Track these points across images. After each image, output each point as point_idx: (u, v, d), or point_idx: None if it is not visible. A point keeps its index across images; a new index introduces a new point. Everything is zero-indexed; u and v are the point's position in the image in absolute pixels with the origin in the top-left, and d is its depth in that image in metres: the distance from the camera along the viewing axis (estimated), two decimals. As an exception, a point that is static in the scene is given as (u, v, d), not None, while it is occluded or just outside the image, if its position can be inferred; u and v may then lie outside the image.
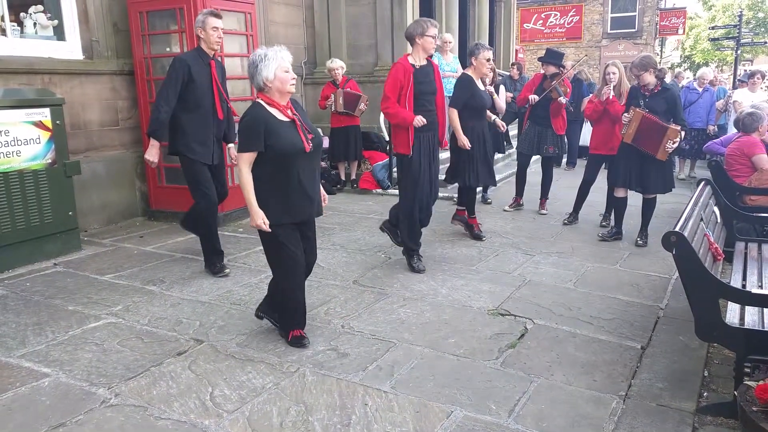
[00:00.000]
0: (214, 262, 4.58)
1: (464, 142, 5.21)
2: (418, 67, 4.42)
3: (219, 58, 4.64)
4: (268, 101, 3.11)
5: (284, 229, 3.17)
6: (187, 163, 4.41)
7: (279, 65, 3.06)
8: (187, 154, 4.38)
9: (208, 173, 4.46)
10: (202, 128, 4.39)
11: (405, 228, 4.67)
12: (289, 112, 3.14)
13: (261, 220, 3.08)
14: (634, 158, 5.25)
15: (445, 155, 5.76)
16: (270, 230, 3.10)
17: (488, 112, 5.88)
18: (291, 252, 3.21)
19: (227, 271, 4.57)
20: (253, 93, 6.52)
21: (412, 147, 4.47)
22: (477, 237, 5.61)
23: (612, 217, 5.85)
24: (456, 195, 7.34)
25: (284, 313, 3.42)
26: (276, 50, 3.10)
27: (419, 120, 4.37)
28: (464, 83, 5.38)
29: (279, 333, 3.48)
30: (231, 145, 4.73)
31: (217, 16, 4.40)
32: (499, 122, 5.96)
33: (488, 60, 5.33)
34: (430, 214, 4.87)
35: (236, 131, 4.78)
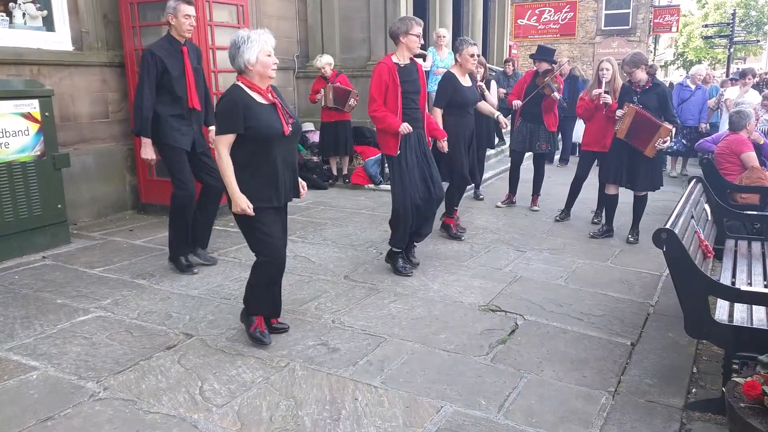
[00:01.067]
0: (180, 256, 4.49)
1: (444, 147, 4.91)
2: (402, 65, 4.34)
3: (190, 41, 4.55)
4: (249, 84, 3.05)
5: (267, 214, 3.12)
6: (166, 151, 4.35)
7: (262, 48, 3.00)
8: (166, 141, 4.31)
9: (187, 164, 4.39)
10: (179, 117, 4.34)
11: (395, 228, 4.48)
12: (269, 95, 3.09)
13: (245, 204, 3.02)
14: (625, 155, 5.27)
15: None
16: (254, 214, 3.04)
17: (492, 108, 5.84)
18: (274, 239, 3.16)
19: (195, 270, 4.47)
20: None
21: (399, 146, 4.36)
22: (457, 236, 5.50)
23: (603, 214, 5.87)
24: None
25: (253, 297, 3.32)
26: (259, 33, 3.03)
27: (405, 127, 4.23)
28: (446, 81, 5.32)
29: (241, 320, 3.41)
30: (211, 127, 4.61)
31: (189, 3, 4.31)
32: (502, 119, 5.86)
33: (472, 55, 5.22)
34: (431, 217, 4.61)
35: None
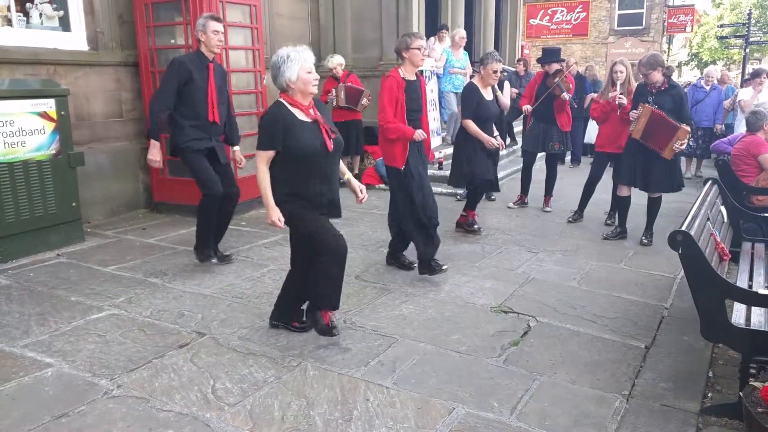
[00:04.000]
0: (202, 250, 4.61)
1: (492, 141, 5.29)
2: (408, 81, 4.40)
3: (218, 63, 4.66)
4: (290, 101, 3.10)
5: (312, 217, 3.16)
6: (187, 155, 4.41)
7: (302, 66, 3.05)
8: (185, 146, 4.37)
9: (208, 165, 4.44)
10: (197, 128, 4.40)
11: (420, 240, 4.44)
12: (311, 111, 3.13)
13: (276, 217, 3.08)
14: (639, 156, 5.22)
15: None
16: (283, 227, 3.11)
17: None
18: (328, 239, 3.15)
19: (213, 260, 4.61)
20: (257, 86, 6.60)
21: (407, 159, 4.36)
22: (471, 230, 5.67)
23: (617, 215, 5.83)
24: (459, 191, 7.34)
25: (319, 290, 3.29)
26: (299, 51, 3.08)
27: (420, 134, 4.32)
28: (470, 93, 5.40)
29: (309, 323, 3.41)
30: (236, 148, 4.78)
31: (218, 20, 4.44)
32: (498, 141, 5.61)
33: (495, 72, 5.31)
34: (436, 225, 4.57)
35: (238, 134, 4.84)
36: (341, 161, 3.41)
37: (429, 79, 8.75)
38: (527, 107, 6.49)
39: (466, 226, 5.73)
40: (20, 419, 2.60)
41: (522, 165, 6.97)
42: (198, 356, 3.17)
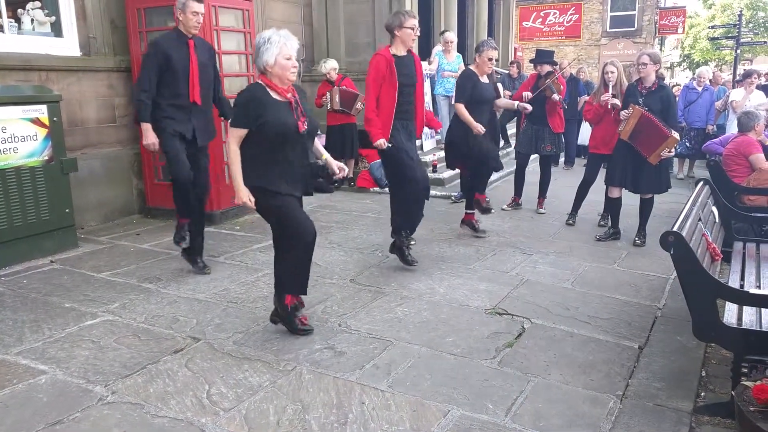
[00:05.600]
0: (180, 234, 4.54)
1: (480, 128, 5.23)
2: (399, 56, 4.40)
3: (201, 38, 4.55)
4: (268, 83, 3.12)
5: (284, 201, 3.17)
6: (162, 136, 4.33)
7: (281, 51, 3.05)
8: (161, 127, 4.30)
9: (181, 148, 4.35)
10: (177, 108, 4.33)
11: (404, 214, 4.61)
12: (288, 94, 3.14)
13: (246, 197, 3.10)
14: (629, 157, 5.25)
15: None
16: (254, 207, 3.14)
17: (510, 102, 6.08)
18: (298, 218, 3.20)
19: (184, 244, 4.52)
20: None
21: (392, 133, 4.42)
22: (486, 211, 5.78)
23: (609, 217, 5.85)
24: (454, 193, 7.35)
25: (285, 276, 3.37)
26: (281, 35, 3.08)
27: (382, 143, 4.37)
28: (465, 77, 5.45)
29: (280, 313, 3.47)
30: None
31: (199, 0, 4.34)
32: (524, 104, 6.05)
33: (490, 59, 5.34)
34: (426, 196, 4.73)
35: (230, 107, 4.69)
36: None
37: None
38: (527, 93, 6.37)
39: (480, 207, 5.74)
40: (14, 426, 2.58)
41: (515, 167, 6.99)
42: (193, 361, 3.17)
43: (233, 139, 3.10)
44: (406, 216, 4.65)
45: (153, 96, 4.28)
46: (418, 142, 5.33)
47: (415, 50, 9.46)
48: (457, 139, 5.47)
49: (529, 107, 6.28)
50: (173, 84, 4.30)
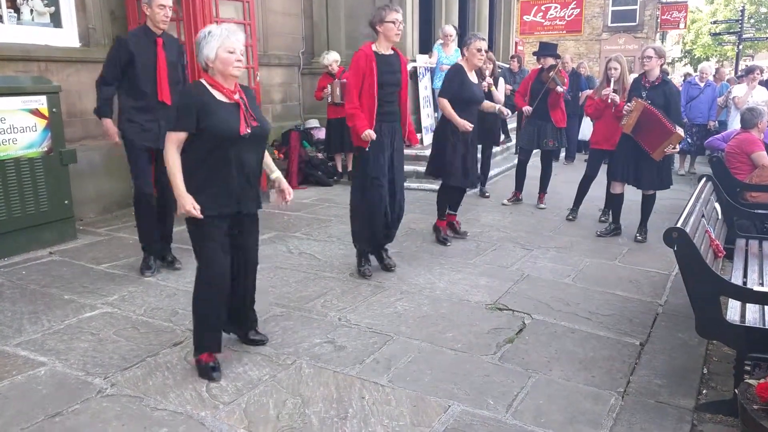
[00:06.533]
0: (145, 258, 4.39)
1: (466, 126, 4.88)
2: (381, 54, 4.15)
3: (171, 36, 4.41)
4: (211, 82, 2.84)
5: (211, 223, 2.84)
6: (126, 145, 4.23)
7: (222, 44, 2.78)
8: (125, 135, 4.20)
9: (143, 159, 4.25)
10: (142, 111, 4.19)
11: (359, 225, 4.34)
12: (235, 96, 2.86)
13: (190, 205, 2.76)
14: (631, 152, 5.23)
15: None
16: (201, 216, 2.78)
17: (492, 104, 5.61)
18: (212, 247, 2.87)
19: (147, 274, 4.29)
20: (250, 82, 6.57)
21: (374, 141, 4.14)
22: (443, 241, 5.22)
23: (610, 212, 5.84)
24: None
25: (196, 325, 2.98)
26: (224, 28, 2.84)
27: (368, 134, 4.06)
28: (453, 73, 5.12)
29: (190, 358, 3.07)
30: None
31: None
32: (504, 109, 5.68)
33: (479, 50, 5.00)
34: (397, 219, 4.45)
35: None
36: (267, 156, 3.14)
37: (423, 76, 8.73)
38: (528, 108, 6.43)
39: (438, 236, 5.28)
40: (13, 418, 2.57)
41: (516, 162, 6.97)
42: (192, 354, 3.15)
43: (171, 144, 2.79)
44: (363, 232, 4.35)
45: (114, 93, 4.18)
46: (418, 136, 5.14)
47: (416, 45, 9.48)
48: (437, 145, 5.16)
49: (529, 109, 6.32)
50: (139, 83, 4.11)
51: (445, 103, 5.01)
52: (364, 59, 4.10)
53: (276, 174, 3.16)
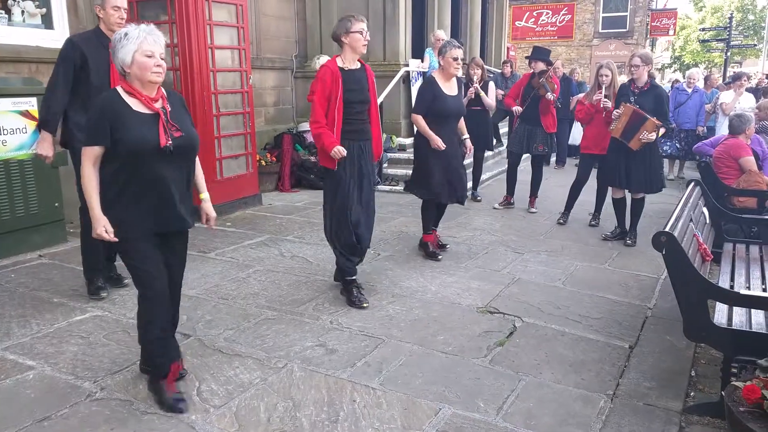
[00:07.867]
0: (92, 279, 4.04)
1: (438, 143, 4.61)
2: (347, 70, 3.86)
3: None
4: (128, 89, 2.55)
5: (136, 242, 2.61)
6: (75, 163, 3.80)
7: (139, 47, 2.49)
8: (73, 144, 3.83)
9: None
10: None
11: (338, 251, 4.05)
12: (157, 104, 2.57)
13: (102, 228, 2.51)
14: (621, 156, 5.29)
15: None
16: (116, 239, 2.55)
17: (463, 129, 5.06)
18: (147, 268, 2.63)
19: (103, 294, 3.96)
20: (243, 86, 6.57)
21: (338, 161, 3.85)
22: (433, 255, 4.93)
23: (600, 216, 5.88)
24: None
25: (151, 351, 2.77)
26: (142, 28, 2.55)
27: (338, 152, 3.76)
28: (425, 86, 4.84)
29: (148, 388, 2.82)
30: None
31: None
32: (468, 144, 5.10)
33: (455, 59, 4.68)
34: (366, 240, 4.12)
35: None
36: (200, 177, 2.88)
37: (416, 80, 8.77)
38: (517, 108, 6.49)
39: (426, 251, 4.99)
40: (1, 422, 2.55)
41: (507, 166, 7.00)
42: (183, 358, 3.14)
43: (87, 160, 2.52)
44: (341, 258, 4.05)
45: (65, 104, 3.77)
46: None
47: (409, 50, 9.48)
48: (416, 161, 4.92)
49: (519, 109, 6.34)
50: (90, 90, 3.72)
51: (418, 119, 4.74)
52: (330, 78, 3.80)
53: (204, 195, 2.89)
